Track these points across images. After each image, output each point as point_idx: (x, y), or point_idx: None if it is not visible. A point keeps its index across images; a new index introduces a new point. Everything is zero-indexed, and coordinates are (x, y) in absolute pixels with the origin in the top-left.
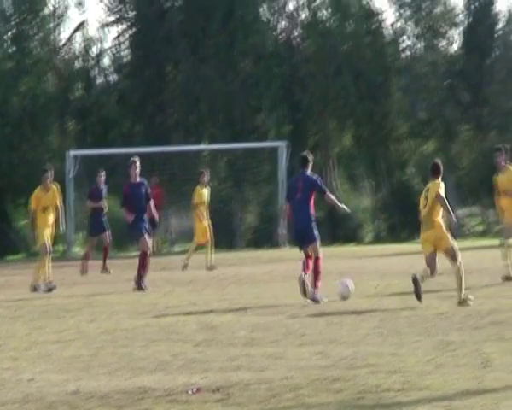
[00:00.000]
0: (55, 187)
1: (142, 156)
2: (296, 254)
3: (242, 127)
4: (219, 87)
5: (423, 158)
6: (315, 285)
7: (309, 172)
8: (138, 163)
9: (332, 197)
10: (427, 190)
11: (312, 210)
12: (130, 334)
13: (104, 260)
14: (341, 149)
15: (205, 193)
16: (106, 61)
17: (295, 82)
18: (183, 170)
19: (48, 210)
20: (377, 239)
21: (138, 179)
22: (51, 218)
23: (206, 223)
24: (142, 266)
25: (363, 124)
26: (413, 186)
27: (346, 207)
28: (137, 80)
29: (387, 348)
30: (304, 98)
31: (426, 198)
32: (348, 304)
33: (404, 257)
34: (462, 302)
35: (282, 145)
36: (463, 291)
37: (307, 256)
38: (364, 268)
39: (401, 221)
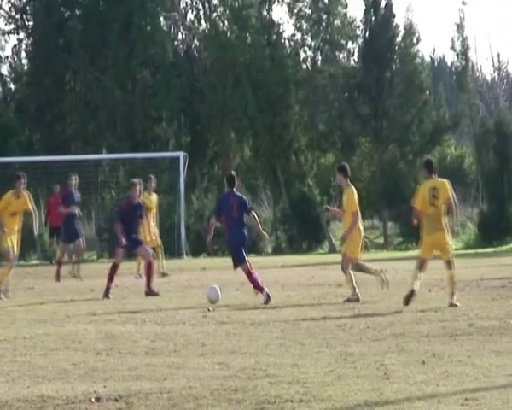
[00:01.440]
0: (26, 194)
1: (41, 165)
2: (196, 264)
3: (142, 137)
4: (119, 97)
5: (323, 170)
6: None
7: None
8: (138, 187)
9: (256, 218)
10: (435, 188)
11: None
12: (29, 342)
13: (76, 265)
14: (241, 160)
15: (153, 199)
16: (4, 69)
17: (195, 93)
18: (82, 179)
19: (15, 216)
20: (277, 250)
21: (137, 201)
22: (18, 224)
23: (154, 230)
24: (148, 274)
25: (262, 135)
26: (313, 198)
27: (266, 235)
28: (36, 89)
29: (288, 358)
30: (203, 109)
31: (434, 197)
32: (248, 315)
33: (304, 268)
34: (453, 306)
35: (181, 155)
36: (455, 297)
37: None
38: (264, 279)
39: (301, 233)
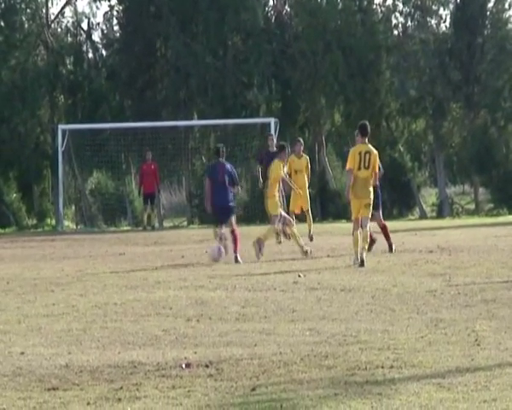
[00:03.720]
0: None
1: (132, 131)
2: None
3: (233, 103)
4: (210, 63)
5: (413, 136)
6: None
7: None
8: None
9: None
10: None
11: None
12: (120, 308)
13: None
14: (331, 126)
15: (302, 162)
16: (96, 36)
17: (285, 59)
18: (173, 145)
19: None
20: None
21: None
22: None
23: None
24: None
25: (353, 101)
26: (404, 164)
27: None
28: (127, 56)
29: (379, 324)
30: (294, 75)
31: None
32: (338, 281)
33: (394, 234)
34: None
35: (272, 121)
36: None
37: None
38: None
39: (391, 199)
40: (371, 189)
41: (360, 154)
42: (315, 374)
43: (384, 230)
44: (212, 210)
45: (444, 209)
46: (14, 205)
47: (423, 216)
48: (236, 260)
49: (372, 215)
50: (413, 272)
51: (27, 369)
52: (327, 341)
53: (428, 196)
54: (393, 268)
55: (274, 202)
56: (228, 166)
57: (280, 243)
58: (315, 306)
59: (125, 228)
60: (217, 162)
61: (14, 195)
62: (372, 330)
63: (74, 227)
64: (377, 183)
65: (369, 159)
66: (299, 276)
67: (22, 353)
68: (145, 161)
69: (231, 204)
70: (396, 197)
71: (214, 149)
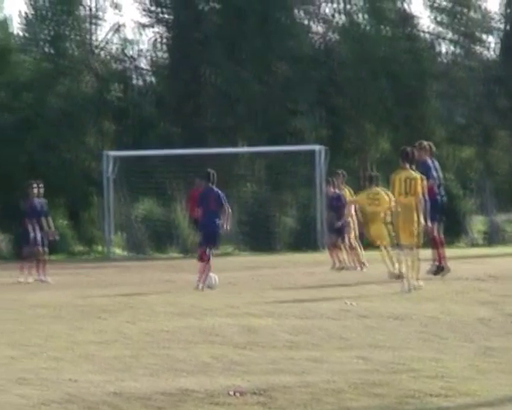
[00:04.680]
0: None
1: (179, 158)
2: None
3: (279, 130)
4: (256, 90)
5: (461, 163)
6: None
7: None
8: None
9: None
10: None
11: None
12: (170, 335)
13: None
14: (378, 153)
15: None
16: (142, 62)
17: (332, 85)
18: (220, 172)
19: None
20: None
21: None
22: None
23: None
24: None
25: (400, 128)
26: (452, 191)
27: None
28: (174, 82)
29: (429, 352)
30: (341, 102)
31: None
32: (387, 308)
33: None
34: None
35: (319, 149)
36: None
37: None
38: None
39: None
40: (416, 215)
41: (400, 180)
42: (365, 402)
43: (434, 242)
44: (201, 236)
45: (493, 237)
46: (62, 231)
47: (472, 243)
48: (197, 288)
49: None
50: (463, 300)
51: (77, 396)
52: (377, 369)
53: (476, 223)
54: (443, 296)
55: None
56: (216, 191)
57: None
58: (364, 333)
59: (173, 255)
60: (208, 189)
61: (63, 221)
62: (422, 358)
63: (123, 254)
64: (437, 196)
65: (412, 185)
66: (349, 303)
67: (72, 380)
68: (195, 187)
69: (219, 231)
70: (444, 224)
71: (205, 174)
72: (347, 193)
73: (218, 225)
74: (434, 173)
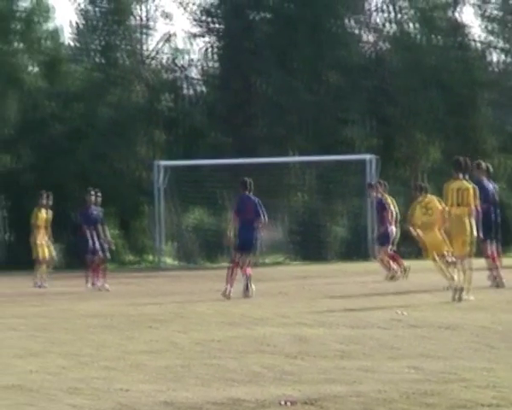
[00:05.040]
0: None
1: (229, 168)
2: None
3: (330, 139)
4: (307, 99)
5: None
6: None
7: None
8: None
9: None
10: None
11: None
12: (221, 345)
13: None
14: (430, 162)
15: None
16: (193, 72)
17: (383, 95)
18: (271, 182)
19: None
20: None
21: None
22: None
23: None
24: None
25: (451, 138)
26: (503, 200)
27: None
28: (225, 92)
29: (480, 362)
30: (391, 111)
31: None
32: (439, 318)
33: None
34: None
35: (370, 158)
36: None
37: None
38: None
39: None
40: (468, 225)
41: (453, 190)
42: None
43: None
44: (237, 243)
45: None
46: (113, 241)
47: None
48: (226, 293)
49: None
50: None
51: (129, 405)
52: (428, 378)
53: None
54: (494, 305)
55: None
56: (253, 199)
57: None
58: (416, 343)
59: (224, 264)
60: (245, 197)
61: (114, 231)
62: (474, 368)
63: (174, 263)
64: (491, 215)
65: (464, 195)
66: (399, 313)
67: (124, 389)
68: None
69: (254, 241)
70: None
71: (242, 182)
72: (390, 202)
73: (254, 233)
74: (490, 195)
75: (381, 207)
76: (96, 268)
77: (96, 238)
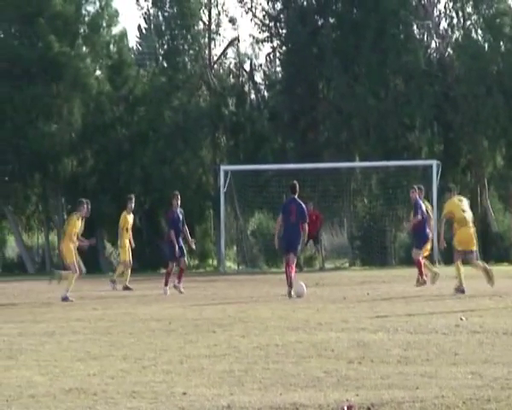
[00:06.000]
0: None
1: (293, 173)
2: (448, 271)
3: (394, 145)
4: (371, 105)
5: None
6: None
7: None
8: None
9: (305, 228)
10: None
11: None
12: (282, 350)
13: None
14: (493, 168)
15: None
16: (258, 77)
17: (447, 101)
18: (335, 187)
19: None
20: None
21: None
22: None
23: None
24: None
25: None
26: None
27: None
28: (289, 97)
29: None
30: (456, 118)
31: None
32: (501, 324)
33: None
34: None
35: (433, 164)
36: None
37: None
38: None
39: None
40: None
41: None
42: None
43: None
44: (283, 245)
45: None
46: None
47: None
48: (289, 294)
49: None
50: None
51: (190, 409)
52: (489, 385)
53: None
54: None
55: None
56: (299, 203)
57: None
58: (477, 349)
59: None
60: (291, 199)
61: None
62: None
63: (236, 268)
64: None
65: None
66: (461, 319)
67: (184, 393)
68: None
69: (300, 240)
70: None
71: (290, 185)
72: (428, 207)
73: (298, 235)
74: None
75: (415, 211)
76: (181, 272)
77: (180, 241)
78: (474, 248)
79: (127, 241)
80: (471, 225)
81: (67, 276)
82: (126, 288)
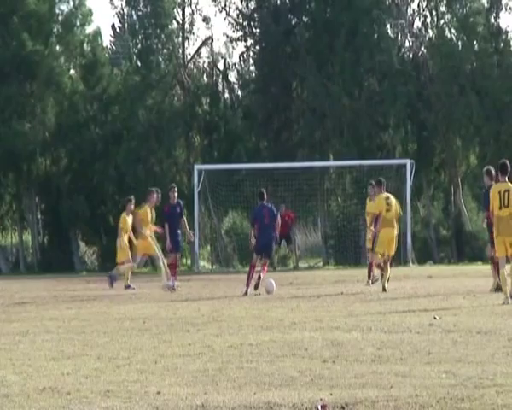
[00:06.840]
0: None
1: (267, 172)
2: (423, 271)
3: (368, 144)
4: (345, 104)
5: None
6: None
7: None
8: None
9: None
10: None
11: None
12: (256, 349)
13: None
14: (467, 168)
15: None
16: (232, 76)
17: (421, 100)
18: (308, 186)
19: None
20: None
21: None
22: None
23: None
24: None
25: (488, 143)
26: None
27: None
28: (263, 96)
29: None
30: (429, 117)
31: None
32: (474, 323)
33: None
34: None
35: (408, 163)
36: None
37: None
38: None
39: None
40: None
41: (500, 193)
42: None
43: None
44: (257, 247)
45: None
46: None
47: None
48: (246, 294)
49: None
50: None
51: (164, 409)
52: (463, 383)
53: None
54: None
55: None
56: (270, 206)
57: None
58: (451, 348)
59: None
60: (261, 206)
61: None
62: (509, 374)
63: (210, 267)
64: None
65: (509, 197)
66: (435, 318)
67: (158, 392)
68: (282, 212)
69: (274, 243)
70: None
71: (258, 193)
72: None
73: (272, 238)
74: None
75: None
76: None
77: (178, 236)
78: (393, 253)
79: (126, 242)
80: (395, 225)
81: (125, 269)
82: (128, 287)
